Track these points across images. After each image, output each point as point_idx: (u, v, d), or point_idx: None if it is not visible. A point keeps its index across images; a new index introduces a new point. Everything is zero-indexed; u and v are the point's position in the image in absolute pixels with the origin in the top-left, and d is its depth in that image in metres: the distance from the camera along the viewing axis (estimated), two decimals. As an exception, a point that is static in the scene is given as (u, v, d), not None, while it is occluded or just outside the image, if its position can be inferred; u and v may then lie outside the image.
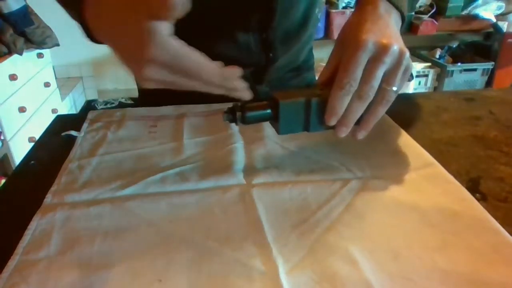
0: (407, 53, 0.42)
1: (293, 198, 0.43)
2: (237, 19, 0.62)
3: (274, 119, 0.44)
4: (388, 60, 0.41)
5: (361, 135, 0.45)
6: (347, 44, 0.43)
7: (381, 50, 0.41)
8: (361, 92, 0.41)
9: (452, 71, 2.81)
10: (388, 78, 0.42)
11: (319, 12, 0.76)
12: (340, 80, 0.41)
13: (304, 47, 0.74)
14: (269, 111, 0.43)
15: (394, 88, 0.42)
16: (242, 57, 0.65)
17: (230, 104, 0.44)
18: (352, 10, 0.48)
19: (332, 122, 0.43)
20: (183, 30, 0.68)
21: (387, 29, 0.43)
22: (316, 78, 0.82)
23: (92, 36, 0.42)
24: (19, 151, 1.87)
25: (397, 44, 0.41)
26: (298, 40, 0.70)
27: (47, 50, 2.19)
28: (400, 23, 0.47)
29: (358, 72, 0.41)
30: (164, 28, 0.35)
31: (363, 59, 0.41)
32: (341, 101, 0.41)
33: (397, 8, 0.46)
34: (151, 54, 0.35)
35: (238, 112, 0.43)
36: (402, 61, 0.41)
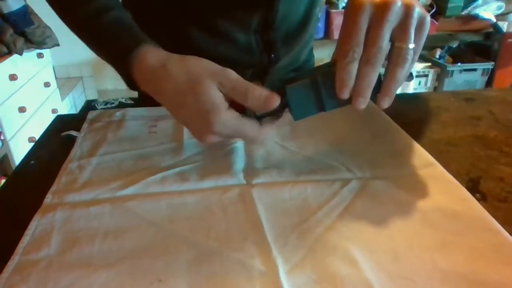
0: (416, 6, 0.38)
1: (293, 198, 0.43)
2: (239, 20, 0.62)
3: (288, 108, 0.43)
4: (391, 16, 0.38)
5: (385, 102, 0.41)
6: (347, 12, 0.41)
7: (381, 8, 0.38)
8: (367, 55, 0.38)
9: (452, 71, 2.81)
10: (399, 35, 0.38)
11: (319, 12, 0.76)
12: (342, 48, 0.39)
13: (305, 47, 0.74)
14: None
15: (410, 46, 0.39)
16: (243, 58, 0.65)
17: None
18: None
19: (345, 94, 0.40)
20: (185, 31, 0.68)
21: None
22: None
23: (134, 85, 0.46)
24: (19, 151, 1.87)
25: None
26: (299, 40, 0.70)
27: (47, 50, 2.19)
28: None
29: (359, 36, 0.38)
30: (224, 106, 0.40)
31: (362, 21, 0.38)
32: (347, 69, 0.39)
33: None
34: (214, 131, 0.41)
35: (248, 110, 0.42)
36: (410, 15, 0.38)
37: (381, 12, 0.38)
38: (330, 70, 0.41)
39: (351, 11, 0.39)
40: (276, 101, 0.41)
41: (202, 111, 0.40)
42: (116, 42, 0.46)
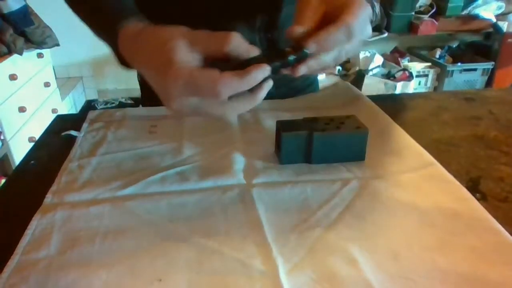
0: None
1: (293, 198, 0.43)
2: (243, 18, 0.62)
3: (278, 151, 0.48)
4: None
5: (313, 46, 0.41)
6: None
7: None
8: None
9: (452, 71, 2.81)
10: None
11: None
12: None
13: None
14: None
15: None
16: None
17: None
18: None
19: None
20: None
21: None
22: (318, 78, 0.82)
23: (125, 62, 0.45)
24: (19, 151, 1.87)
25: None
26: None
27: (47, 50, 2.19)
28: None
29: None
30: (181, 59, 0.37)
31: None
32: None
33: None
34: (169, 88, 0.37)
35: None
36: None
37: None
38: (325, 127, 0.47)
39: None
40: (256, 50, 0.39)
41: (161, 68, 0.37)
42: (105, 17, 0.47)
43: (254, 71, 0.37)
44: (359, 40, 0.43)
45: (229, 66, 0.37)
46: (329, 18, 0.44)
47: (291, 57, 0.40)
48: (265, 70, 0.38)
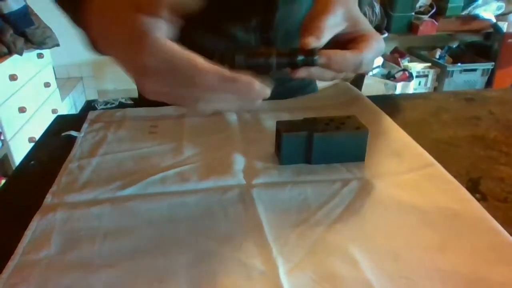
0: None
1: (293, 198, 0.43)
2: (238, 18, 0.62)
3: (279, 151, 0.48)
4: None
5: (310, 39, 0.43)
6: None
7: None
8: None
9: (452, 71, 2.81)
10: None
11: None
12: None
13: None
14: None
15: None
16: None
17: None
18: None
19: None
20: (182, 28, 0.68)
21: None
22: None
23: (96, 47, 0.42)
24: (19, 151, 1.87)
25: None
26: (298, 41, 0.70)
27: (47, 50, 2.19)
28: None
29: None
30: (157, 31, 0.33)
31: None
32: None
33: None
34: (144, 63, 0.32)
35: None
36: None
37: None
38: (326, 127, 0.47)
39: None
40: None
41: (134, 44, 0.33)
42: None
43: (242, 82, 0.32)
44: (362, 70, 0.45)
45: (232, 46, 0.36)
46: (346, 36, 0.44)
47: (300, 58, 0.40)
48: (255, 88, 0.33)
